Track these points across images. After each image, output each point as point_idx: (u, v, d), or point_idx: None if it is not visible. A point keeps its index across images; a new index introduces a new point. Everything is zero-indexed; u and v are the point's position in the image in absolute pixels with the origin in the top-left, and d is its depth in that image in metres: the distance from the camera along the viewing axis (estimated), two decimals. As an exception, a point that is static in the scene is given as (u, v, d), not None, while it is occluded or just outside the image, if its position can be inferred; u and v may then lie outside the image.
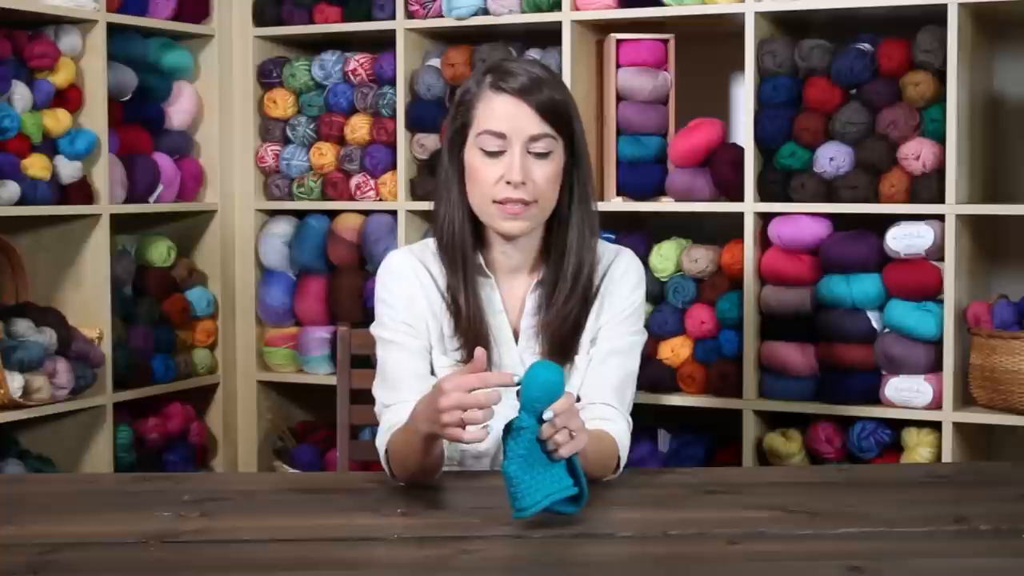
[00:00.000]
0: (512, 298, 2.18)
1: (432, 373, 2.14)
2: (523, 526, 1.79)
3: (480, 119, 2.09)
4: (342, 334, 2.56)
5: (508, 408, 2.12)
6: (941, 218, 3.17)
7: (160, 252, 3.77)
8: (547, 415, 1.79)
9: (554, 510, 1.82)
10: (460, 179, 2.13)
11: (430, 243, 2.19)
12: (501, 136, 2.07)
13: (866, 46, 3.26)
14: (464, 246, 2.13)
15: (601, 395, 2.13)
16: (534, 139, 2.08)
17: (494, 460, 2.17)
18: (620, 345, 2.17)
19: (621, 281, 2.18)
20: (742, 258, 3.35)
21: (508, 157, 2.07)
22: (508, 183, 2.06)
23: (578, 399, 2.15)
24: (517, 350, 2.15)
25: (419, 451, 1.94)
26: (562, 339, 2.13)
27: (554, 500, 1.78)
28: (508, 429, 1.81)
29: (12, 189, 3.26)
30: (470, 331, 2.11)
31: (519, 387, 1.80)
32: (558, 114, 2.09)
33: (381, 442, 2.07)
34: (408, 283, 2.15)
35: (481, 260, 2.15)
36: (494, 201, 2.08)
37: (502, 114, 2.07)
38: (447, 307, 2.14)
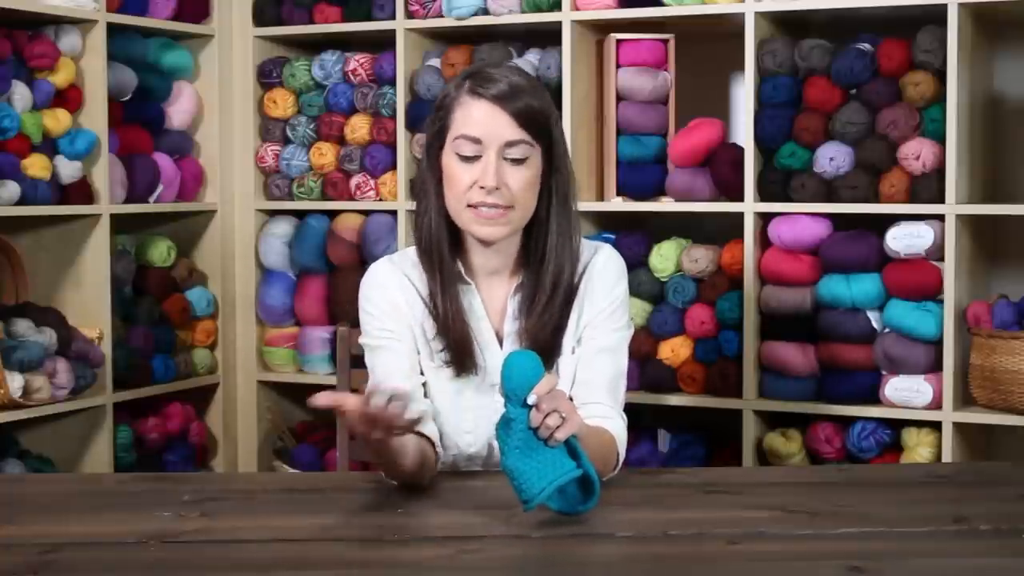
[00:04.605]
0: (493, 302, 2.18)
1: (421, 374, 2.15)
2: (522, 526, 1.79)
3: (457, 124, 2.10)
4: (342, 334, 2.56)
5: (489, 405, 2.12)
6: (941, 218, 3.17)
7: (160, 252, 3.77)
8: (531, 400, 1.78)
9: (570, 511, 1.82)
10: (438, 183, 2.13)
11: (410, 252, 2.20)
12: (476, 141, 2.07)
13: (866, 46, 3.26)
14: (441, 250, 2.13)
15: (593, 394, 2.13)
16: (509, 145, 2.08)
17: (486, 461, 2.18)
18: (607, 342, 2.17)
19: (601, 278, 2.18)
20: (742, 258, 3.35)
21: (483, 162, 2.07)
22: (482, 188, 2.07)
23: (569, 399, 2.15)
24: (501, 354, 2.15)
25: (379, 455, 1.95)
26: (544, 342, 2.13)
27: (559, 484, 1.77)
28: (500, 424, 1.81)
29: (12, 189, 3.26)
30: (451, 335, 2.12)
31: (501, 381, 1.81)
32: (535, 121, 2.09)
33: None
34: (390, 292, 2.16)
35: (460, 266, 2.15)
36: (468, 205, 2.08)
37: (478, 119, 2.08)
38: (430, 313, 2.14)
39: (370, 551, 1.73)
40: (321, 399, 1.81)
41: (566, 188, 2.15)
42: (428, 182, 2.14)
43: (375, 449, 1.93)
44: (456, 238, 2.16)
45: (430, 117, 2.16)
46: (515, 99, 2.08)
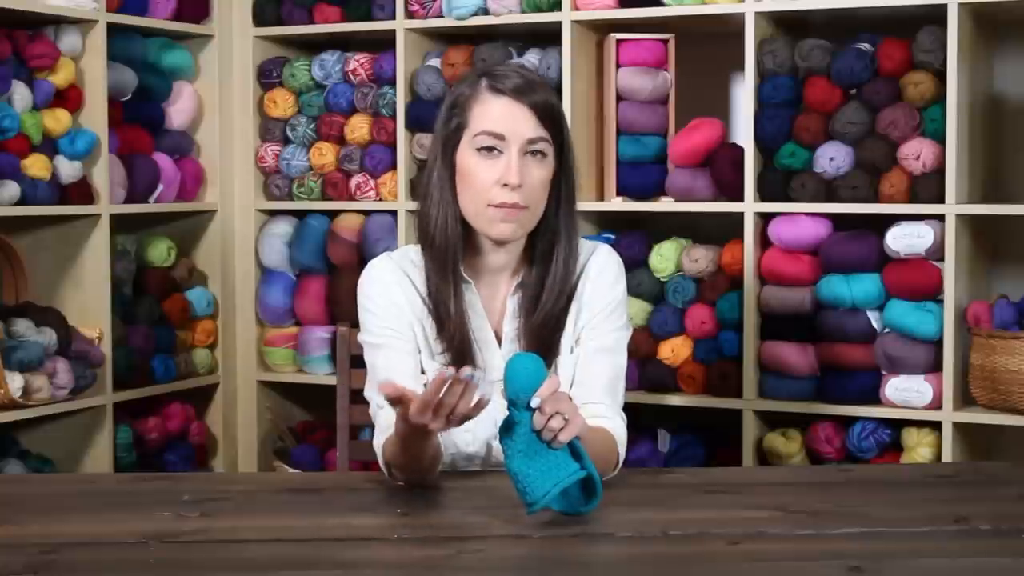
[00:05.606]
0: (492, 301, 2.17)
1: (422, 372, 2.15)
2: (522, 526, 1.78)
3: (477, 120, 2.08)
4: (342, 334, 2.56)
5: (497, 409, 2.13)
6: (941, 218, 3.17)
7: (160, 252, 3.77)
8: (534, 403, 1.78)
9: (572, 511, 1.82)
10: (452, 182, 2.12)
11: (409, 250, 2.19)
12: (500, 137, 2.07)
13: (866, 46, 3.26)
14: (455, 250, 2.12)
15: (592, 395, 2.12)
16: (531, 141, 2.07)
17: (485, 461, 2.17)
18: (606, 342, 2.16)
19: (599, 278, 2.18)
20: (742, 258, 3.35)
21: (505, 159, 2.06)
22: (505, 185, 2.06)
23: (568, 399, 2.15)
24: (500, 353, 2.15)
25: (410, 450, 1.94)
26: (543, 342, 2.12)
27: (563, 487, 1.77)
28: (503, 427, 1.81)
29: (12, 189, 3.26)
30: (455, 335, 2.11)
31: (503, 384, 1.81)
32: (553, 118, 2.09)
33: (378, 443, 2.07)
34: (391, 290, 2.15)
35: (461, 265, 2.15)
36: (489, 204, 2.08)
37: (500, 115, 2.07)
38: (429, 312, 2.14)
39: (370, 551, 1.73)
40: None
41: (573, 189, 2.15)
42: (443, 181, 2.12)
43: (415, 448, 1.92)
44: (463, 238, 2.15)
45: (443, 116, 2.14)
46: (533, 93, 2.07)
